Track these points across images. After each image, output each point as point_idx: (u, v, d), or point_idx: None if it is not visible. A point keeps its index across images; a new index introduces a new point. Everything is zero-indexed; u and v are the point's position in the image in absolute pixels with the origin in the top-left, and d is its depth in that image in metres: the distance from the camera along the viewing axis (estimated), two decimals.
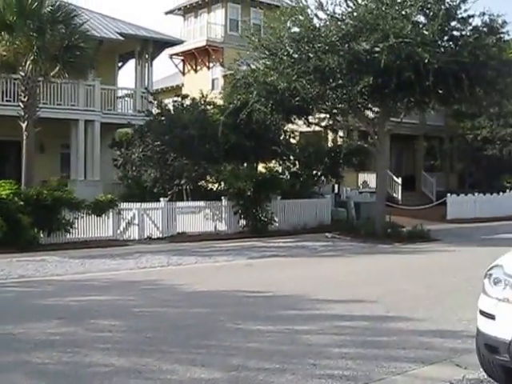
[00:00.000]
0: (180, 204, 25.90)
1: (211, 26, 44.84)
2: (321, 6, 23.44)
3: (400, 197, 38.97)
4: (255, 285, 14.37)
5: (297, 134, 32.68)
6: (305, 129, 31.91)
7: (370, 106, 25.81)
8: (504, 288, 6.22)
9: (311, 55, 22.74)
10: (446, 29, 22.67)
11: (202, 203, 26.15)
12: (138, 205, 24.36)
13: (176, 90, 46.52)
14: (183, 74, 47.90)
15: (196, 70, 46.48)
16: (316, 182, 31.00)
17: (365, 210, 29.23)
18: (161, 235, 24.60)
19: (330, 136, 37.01)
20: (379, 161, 25.98)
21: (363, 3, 23.15)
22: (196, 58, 46.02)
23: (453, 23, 23.11)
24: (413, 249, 22.19)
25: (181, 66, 48.00)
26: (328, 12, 23.32)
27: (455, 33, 23.02)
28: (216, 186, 28.84)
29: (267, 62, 23.99)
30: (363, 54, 22.12)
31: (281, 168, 31.34)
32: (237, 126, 26.95)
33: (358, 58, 22.25)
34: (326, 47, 22.33)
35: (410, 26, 21.27)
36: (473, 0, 23.00)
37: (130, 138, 29.31)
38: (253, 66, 25.54)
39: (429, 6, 22.76)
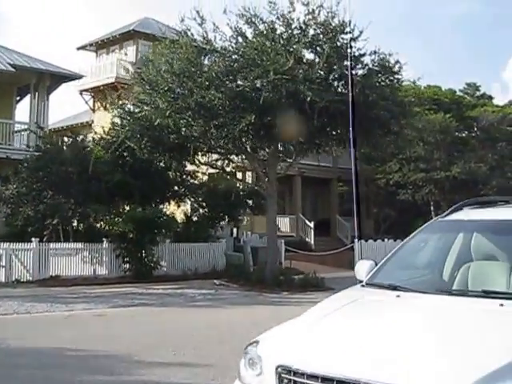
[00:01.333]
0: (54, 245, 24.21)
1: (121, 62, 43.41)
2: (206, 40, 22.24)
3: (313, 242, 37.70)
4: (87, 340, 12.68)
5: (205, 174, 31.24)
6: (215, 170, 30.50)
7: (258, 146, 24.47)
8: (259, 374, 4.69)
9: (195, 91, 21.42)
10: (335, 67, 21.60)
11: (79, 245, 24.48)
12: (7, 245, 22.60)
13: (87, 127, 44.87)
14: (93, 110, 46.29)
15: (105, 107, 44.91)
16: (213, 225, 29.51)
17: (263, 256, 27.81)
18: (31, 278, 22.83)
19: (240, 177, 35.74)
20: (269, 204, 24.63)
21: (251, 39, 22.02)
22: (105, 94, 44.50)
23: (343, 62, 22.07)
24: (298, 299, 20.68)
25: (91, 102, 46.39)
26: (212, 47, 22.11)
27: (345, 71, 21.98)
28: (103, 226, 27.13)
29: (140, 97, 22.63)
30: (246, 91, 20.92)
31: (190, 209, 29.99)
32: (122, 163, 25.43)
33: (241, 95, 21.05)
34: (207, 83, 21.09)
35: (292, 61, 20.13)
36: (364, 38, 22.06)
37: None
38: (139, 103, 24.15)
39: (319, 43, 21.75)
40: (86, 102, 46.77)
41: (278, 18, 21.74)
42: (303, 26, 21.76)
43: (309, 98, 19.69)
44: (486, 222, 6.18)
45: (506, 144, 43.08)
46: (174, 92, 22.04)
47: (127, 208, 26.73)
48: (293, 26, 21.73)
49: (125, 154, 23.90)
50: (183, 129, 21.59)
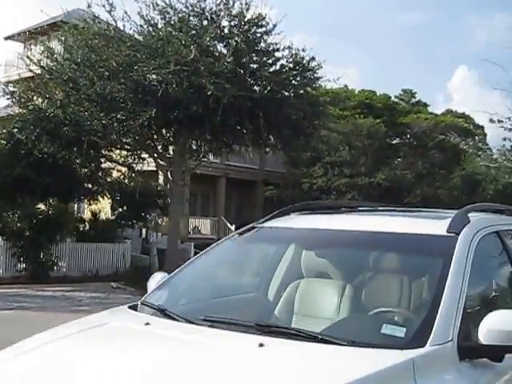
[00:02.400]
0: None
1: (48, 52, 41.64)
2: (113, 28, 20.84)
3: None
4: None
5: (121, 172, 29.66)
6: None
7: (162, 142, 23.07)
8: None
9: (96, 81, 20.00)
10: (244, 61, 20.41)
11: None
12: None
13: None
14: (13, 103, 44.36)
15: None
16: (121, 225, 28.06)
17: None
18: None
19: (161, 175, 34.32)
20: (173, 205, 23.24)
21: (159, 27, 20.72)
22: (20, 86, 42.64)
23: (254, 56, 20.92)
24: None
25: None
26: (119, 35, 20.70)
27: (254, 66, 20.81)
28: None
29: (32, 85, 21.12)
30: (150, 84, 19.60)
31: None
32: (23, 156, 23.78)
33: (143, 87, 19.72)
34: (107, 73, 19.72)
35: (195, 52, 18.82)
36: (278, 33, 20.93)
37: None
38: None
39: (231, 35, 20.56)
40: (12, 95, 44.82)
41: (187, 7, 20.45)
42: (214, 17, 20.52)
43: (210, 92, 18.38)
44: (318, 232, 5.01)
45: (438, 152, 42.51)
46: (74, 82, 20.59)
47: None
48: (203, 17, 20.46)
49: (29, 146, 22.11)
50: (85, 122, 20.05)
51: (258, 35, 20.82)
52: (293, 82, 21.45)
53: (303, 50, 21.01)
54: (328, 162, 37.79)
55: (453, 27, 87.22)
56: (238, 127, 21.33)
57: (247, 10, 20.93)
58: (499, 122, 14.92)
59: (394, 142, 44.81)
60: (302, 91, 21.66)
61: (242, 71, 20.39)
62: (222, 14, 20.82)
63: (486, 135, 49.09)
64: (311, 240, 5.09)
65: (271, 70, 20.87)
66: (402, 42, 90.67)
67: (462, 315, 3.65)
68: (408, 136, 44.95)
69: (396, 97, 50.87)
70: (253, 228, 5.35)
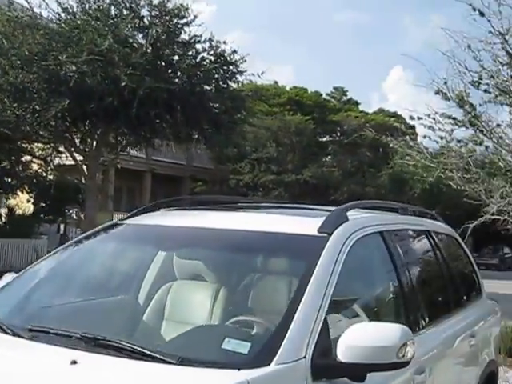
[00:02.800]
0: None
1: None
2: (29, 16, 19.88)
3: None
4: None
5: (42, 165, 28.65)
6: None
7: (76, 135, 22.16)
8: None
9: (8, 70, 19.08)
10: (162, 52, 19.80)
11: None
12: None
13: None
14: None
15: None
16: (39, 220, 27.15)
17: None
18: None
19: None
20: (88, 200, 22.40)
21: (77, 17, 19.92)
22: None
23: (175, 48, 20.31)
24: None
25: None
26: (34, 22, 19.79)
27: (174, 58, 20.21)
28: None
29: None
30: (64, 73, 18.81)
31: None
32: None
33: (57, 77, 18.91)
34: (19, 62, 18.87)
35: (109, 42, 18.09)
36: (199, 24, 20.37)
37: None
38: None
39: (151, 26, 19.91)
40: None
41: None
42: (134, 6, 19.83)
43: (124, 84, 17.72)
44: (186, 230, 4.45)
45: (368, 150, 42.58)
46: None
47: None
48: (122, 6, 19.76)
49: None
50: None
51: (179, 26, 20.18)
52: (215, 75, 20.88)
53: (224, 43, 20.48)
54: (255, 159, 37.47)
55: (390, 28, 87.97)
56: (157, 120, 20.65)
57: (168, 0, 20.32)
58: (419, 119, 14.67)
59: (324, 139, 44.73)
60: (224, 85, 21.08)
61: (160, 63, 19.75)
62: (142, 3, 20.12)
63: (417, 135, 49.35)
64: (180, 239, 4.53)
65: (191, 62, 20.22)
66: (339, 41, 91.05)
67: (321, 328, 3.16)
68: (338, 134, 44.92)
69: (327, 94, 50.80)
70: (117, 224, 4.82)
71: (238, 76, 21.80)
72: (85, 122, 20.59)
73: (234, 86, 22.15)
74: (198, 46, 20.63)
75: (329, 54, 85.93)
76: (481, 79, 13.36)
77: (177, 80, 19.81)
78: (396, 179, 37.63)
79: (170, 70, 19.95)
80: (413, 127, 48.56)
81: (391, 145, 15.69)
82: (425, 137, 15.58)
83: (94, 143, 21.88)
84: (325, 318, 3.22)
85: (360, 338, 3.08)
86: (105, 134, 21.56)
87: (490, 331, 6.12)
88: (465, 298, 5.85)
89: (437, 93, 13.59)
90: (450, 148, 14.82)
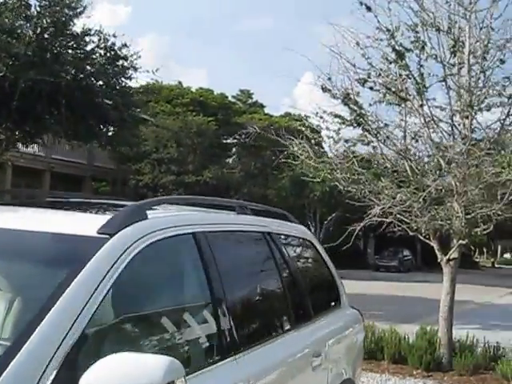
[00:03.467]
0: None
1: None
2: None
3: None
4: None
5: None
6: None
7: None
8: None
9: None
10: (48, 44, 19.14)
11: None
12: None
13: None
14: None
15: None
16: None
17: None
18: None
19: None
20: None
21: None
22: None
23: (63, 40, 19.65)
24: None
25: None
26: None
27: (63, 50, 19.56)
28: None
29: None
30: None
31: None
32: None
33: None
34: None
35: None
36: (88, 16, 19.79)
37: None
38: None
39: (39, 16, 19.24)
40: None
41: None
42: None
43: (1, 74, 17.04)
44: None
45: (271, 152, 42.49)
46: None
47: None
48: None
49: None
50: None
51: (68, 17, 19.55)
52: (106, 70, 20.31)
53: (114, 36, 19.94)
54: (155, 159, 36.90)
55: (302, 34, 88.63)
56: (45, 116, 19.95)
57: None
58: (307, 118, 14.55)
59: (228, 141, 44.57)
60: (115, 81, 20.54)
61: (46, 55, 19.05)
62: None
63: (322, 139, 49.69)
64: None
65: (79, 55, 19.62)
66: (256, 47, 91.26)
67: (62, 363, 2.43)
68: (241, 136, 44.79)
69: (233, 97, 50.75)
70: None
71: (130, 72, 21.33)
72: None
73: (129, 82, 21.66)
74: (88, 39, 20.06)
75: (244, 59, 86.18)
76: (369, 77, 13.22)
77: (63, 74, 19.15)
78: (296, 181, 37.68)
79: (56, 63, 19.25)
80: (318, 132, 49.36)
81: (291, 147, 15.39)
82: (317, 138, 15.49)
83: None
84: (75, 349, 2.51)
85: (109, 375, 2.43)
86: None
87: (346, 345, 5.61)
88: (317, 309, 5.16)
89: (324, 90, 13.44)
90: (336, 148, 14.73)
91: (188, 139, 37.32)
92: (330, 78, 13.30)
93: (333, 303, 5.79)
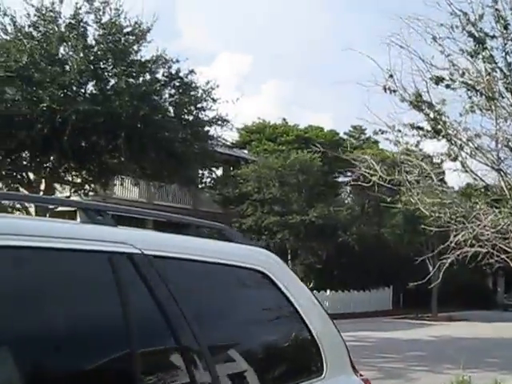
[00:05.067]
0: None
1: None
2: None
3: None
4: None
5: None
6: None
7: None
8: None
9: None
10: (101, 72, 17.65)
11: None
12: None
13: None
14: None
15: None
16: None
17: None
18: None
19: None
20: None
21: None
22: None
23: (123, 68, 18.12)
24: None
25: None
26: None
27: (121, 79, 18.00)
28: None
29: None
30: None
31: None
32: None
33: None
34: None
35: (27, 58, 15.94)
36: (149, 41, 18.30)
37: None
38: None
39: (93, 44, 17.92)
40: None
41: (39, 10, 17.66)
42: (73, 22, 17.77)
43: (45, 105, 15.49)
44: None
45: (385, 188, 39.79)
46: None
47: None
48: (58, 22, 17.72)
49: None
50: None
51: (128, 44, 18.06)
52: (173, 98, 18.66)
53: (177, 61, 18.29)
54: (258, 200, 34.86)
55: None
56: (106, 156, 18.37)
57: (118, 15, 18.27)
58: (382, 133, 12.44)
59: (339, 179, 42.28)
60: (181, 110, 18.81)
61: (101, 84, 17.52)
62: (91, 20, 18.10)
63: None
64: None
65: (136, 81, 17.98)
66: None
67: None
68: (350, 172, 42.41)
69: (345, 133, 48.60)
70: None
71: (207, 102, 19.63)
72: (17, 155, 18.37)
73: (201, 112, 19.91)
74: (149, 67, 18.49)
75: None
76: (451, 78, 11.05)
77: (123, 104, 17.50)
78: (409, 217, 34.69)
79: (114, 94, 17.63)
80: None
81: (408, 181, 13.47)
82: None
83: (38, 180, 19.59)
84: None
85: None
86: (53, 172, 19.24)
87: None
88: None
89: (386, 90, 11.24)
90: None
91: (291, 177, 35.13)
92: (391, 76, 11.08)
93: (311, 369, 3.50)
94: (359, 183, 13.58)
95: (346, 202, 41.41)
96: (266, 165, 35.35)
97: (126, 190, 32.65)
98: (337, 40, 70.41)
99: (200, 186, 37.62)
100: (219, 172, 41.77)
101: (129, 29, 18.29)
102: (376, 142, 48.89)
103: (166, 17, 70.83)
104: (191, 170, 19.84)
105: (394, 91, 11.04)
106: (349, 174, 42.69)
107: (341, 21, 71.68)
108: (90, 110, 16.16)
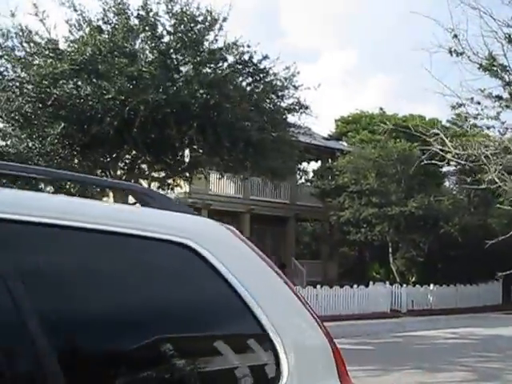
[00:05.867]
0: None
1: None
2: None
3: None
4: None
5: None
6: None
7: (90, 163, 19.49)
8: None
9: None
10: (170, 62, 16.99)
11: None
12: None
13: None
14: None
15: None
16: None
17: None
18: None
19: None
20: None
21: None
22: None
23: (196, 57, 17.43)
24: None
25: None
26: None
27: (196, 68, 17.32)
28: None
29: None
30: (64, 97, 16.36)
31: None
32: None
33: (58, 102, 16.51)
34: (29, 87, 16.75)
35: (91, 51, 15.42)
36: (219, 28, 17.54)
37: None
38: None
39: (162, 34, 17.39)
40: None
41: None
42: (144, 14, 17.25)
43: (110, 96, 14.94)
44: None
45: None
46: None
47: None
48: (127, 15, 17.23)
49: None
50: None
51: (200, 34, 17.35)
52: (250, 86, 17.84)
53: (248, 46, 17.42)
54: (354, 191, 33.72)
55: None
56: (177, 143, 17.70)
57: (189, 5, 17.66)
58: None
59: (444, 169, 40.50)
60: (252, 96, 17.98)
61: (173, 74, 16.84)
62: (161, 11, 17.54)
63: None
64: None
65: (205, 69, 17.25)
66: None
67: None
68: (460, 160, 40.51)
69: (448, 121, 46.57)
70: None
71: (288, 90, 18.76)
72: (89, 148, 17.91)
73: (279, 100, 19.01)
74: (223, 55, 17.73)
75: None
76: None
77: (196, 94, 16.78)
78: None
79: (186, 83, 16.93)
80: None
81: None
82: None
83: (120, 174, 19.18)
84: None
85: None
86: (131, 167, 18.79)
87: None
88: None
89: (452, 54, 10.10)
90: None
91: (389, 168, 33.77)
92: (456, 36, 9.95)
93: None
94: (433, 162, 12.41)
95: (451, 192, 39.67)
96: (362, 155, 34.24)
97: (221, 185, 32.34)
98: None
99: (298, 180, 36.97)
100: (317, 165, 40.94)
101: (201, 17, 17.61)
102: (487, 128, 46.77)
103: (269, 17, 70.88)
104: (271, 160, 18.84)
105: (461, 53, 9.87)
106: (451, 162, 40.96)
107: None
108: (158, 100, 15.51)
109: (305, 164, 39.70)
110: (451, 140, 11.46)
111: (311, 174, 40.32)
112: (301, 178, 36.03)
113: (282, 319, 2.44)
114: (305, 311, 2.60)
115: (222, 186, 32.74)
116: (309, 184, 38.72)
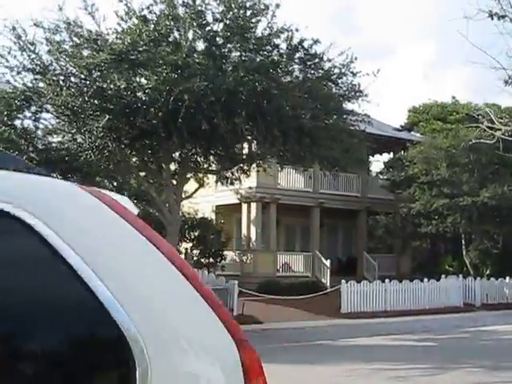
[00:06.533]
0: None
1: None
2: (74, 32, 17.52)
3: (328, 283, 31.80)
4: None
5: None
6: None
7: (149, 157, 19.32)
8: None
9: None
10: (216, 49, 16.64)
11: None
12: None
13: None
14: None
15: None
16: None
17: None
18: None
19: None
20: (169, 234, 19.00)
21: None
22: None
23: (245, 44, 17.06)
24: None
25: None
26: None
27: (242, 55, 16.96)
28: None
29: None
30: (108, 89, 16.22)
31: None
32: None
33: (102, 94, 16.38)
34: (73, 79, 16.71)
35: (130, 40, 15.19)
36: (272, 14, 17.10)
37: None
38: None
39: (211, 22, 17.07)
40: None
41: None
42: (190, 2, 16.96)
43: (150, 85, 14.66)
44: None
45: None
46: None
47: None
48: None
49: None
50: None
51: (248, 20, 16.95)
52: (298, 73, 17.34)
53: (297, 30, 16.89)
54: (425, 182, 32.74)
55: None
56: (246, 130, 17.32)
57: None
58: None
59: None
60: (304, 83, 17.48)
61: (219, 63, 16.47)
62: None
63: None
64: None
65: (252, 55, 16.85)
66: None
67: None
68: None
69: None
70: None
71: (346, 77, 18.23)
72: (140, 142, 17.74)
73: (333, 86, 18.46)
74: (273, 42, 17.28)
75: None
76: None
77: (246, 82, 16.40)
78: None
79: (233, 71, 16.56)
80: None
81: None
82: None
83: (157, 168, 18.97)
84: None
85: None
86: (183, 160, 18.53)
87: None
88: None
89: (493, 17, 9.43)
90: None
91: (461, 157, 32.64)
92: None
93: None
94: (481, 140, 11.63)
95: None
96: (433, 145, 33.24)
97: (290, 179, 32.05)
98: None
99: (369, 173, 36.30)
100: (389, 157, 40.09)
101: (249, 3, 17.19)
102: None
103: (344, 13, 70.53)
104: (324, 149, 18.27)
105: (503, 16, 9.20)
106: None
107: None
108: (203, 89, 15.17)
109: (378, 156, 39.06)
110: None
111: (382, 166, 39.66)
112: (370, 170, 35.32)
113: (149, 320, 1.90)
114: (203, 310, 2.00)
115: (290, 179, 32.38)
116: (380, 176, 37.93)
